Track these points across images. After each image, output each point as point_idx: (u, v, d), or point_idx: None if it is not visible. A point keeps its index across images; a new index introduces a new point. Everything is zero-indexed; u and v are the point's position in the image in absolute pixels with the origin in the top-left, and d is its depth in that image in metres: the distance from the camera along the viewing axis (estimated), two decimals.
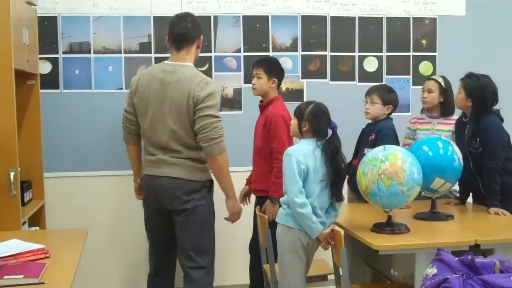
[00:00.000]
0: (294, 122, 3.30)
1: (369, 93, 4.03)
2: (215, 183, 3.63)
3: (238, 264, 4.67)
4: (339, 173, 3.17)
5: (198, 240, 3.53)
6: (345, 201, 4.10)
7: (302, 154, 3.14)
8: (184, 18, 3.59)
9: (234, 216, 3.67)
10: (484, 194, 3.77)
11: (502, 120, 3.80)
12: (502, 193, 3.68)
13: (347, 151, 4.09)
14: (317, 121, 3.21)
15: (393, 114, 4.08)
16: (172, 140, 3.43)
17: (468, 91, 3.78)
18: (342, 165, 3.19)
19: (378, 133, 3.90)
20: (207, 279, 3.59)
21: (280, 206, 3.33)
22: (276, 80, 4.06)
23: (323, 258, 3.83)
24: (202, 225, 3.52)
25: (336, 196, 3.19)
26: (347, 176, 3.33)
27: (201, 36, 3.66)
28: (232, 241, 4.73)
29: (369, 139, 3.94)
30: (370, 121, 4.07)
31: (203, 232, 3.54)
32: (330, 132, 3.24)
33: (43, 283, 2.29)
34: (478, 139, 3.73)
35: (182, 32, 3.53)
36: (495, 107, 3.80)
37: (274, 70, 4.08)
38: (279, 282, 3.35)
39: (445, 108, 4.25)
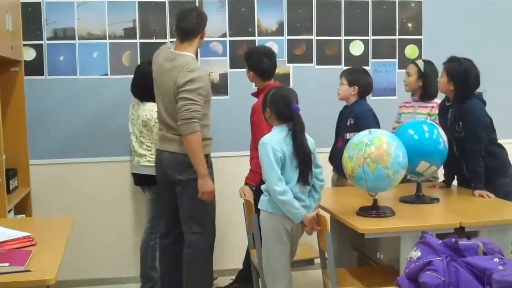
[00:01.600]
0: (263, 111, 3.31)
1: (340, 75, 4.14)
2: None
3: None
4: (299, 156, 3.12)
5: (191, 209, 3.76)
6: (330, 184, 4.15)
7: (277, 141, 3.12)
8: (190, 13, 3.77)
9: (203, 195, 3.70)
10: (468, 177, 3.79)
11: (484, 103, 3.81)
12: (486, 175, 3.70)
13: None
14: (276, 106, 3.18)
15: (379, 97, 4.08)
16: (168, 118, 3.72)
17: (450, 75, 3.80)
18: (302, 148, 3.13)
19: (357, 118, 3.94)
20: (201, 243, 3.81)
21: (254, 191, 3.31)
22: (253, 73, 4.05)
23: (310, 242, 3.85)
24: (195, 196, 3.68)
25: (302, 180, 3.14)
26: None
27: (205, 28, 3.79)
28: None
29: (348, 123, 3.99)
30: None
31: (196, 202, 3.71)
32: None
33: (29, 270, 2.28)
34: (460, 123, 3.75)
35: (187, 28, 3.73)
36: (478, 90, 3.81)
37: (251, 64, 4.05)
38: (263, 267, 3.36)
39: (423, 91, 4.27)
